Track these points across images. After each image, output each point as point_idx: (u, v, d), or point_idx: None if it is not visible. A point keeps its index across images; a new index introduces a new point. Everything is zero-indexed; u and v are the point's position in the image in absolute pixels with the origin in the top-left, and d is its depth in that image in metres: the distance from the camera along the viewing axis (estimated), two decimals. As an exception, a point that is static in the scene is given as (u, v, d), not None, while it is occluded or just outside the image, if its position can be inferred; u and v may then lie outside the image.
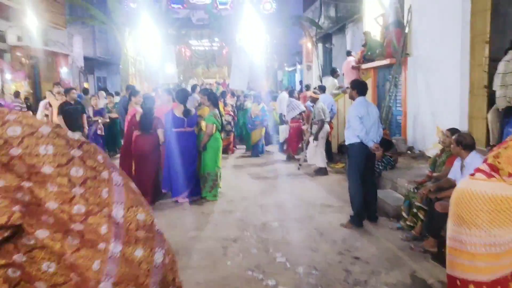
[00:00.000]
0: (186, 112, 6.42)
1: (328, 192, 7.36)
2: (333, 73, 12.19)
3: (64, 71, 21.41)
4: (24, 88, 16.56)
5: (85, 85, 22.75)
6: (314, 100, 9.17)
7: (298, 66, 27.12)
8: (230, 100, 13.29)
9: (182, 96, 6.60)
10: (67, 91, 8.68)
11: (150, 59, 16.77)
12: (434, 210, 4.54)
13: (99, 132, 10.06)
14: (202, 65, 23.16)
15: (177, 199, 6.48)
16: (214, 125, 6.60)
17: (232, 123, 12.00)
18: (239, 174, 9.04)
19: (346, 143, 5.62)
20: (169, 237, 5.07)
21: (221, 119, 6.93)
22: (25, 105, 13.46)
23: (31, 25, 16.45)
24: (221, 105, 11.68)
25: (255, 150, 11.48)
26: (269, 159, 11.01)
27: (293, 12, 20.79)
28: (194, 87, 11.87)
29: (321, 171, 8.90)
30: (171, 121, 6.44)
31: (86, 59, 24.16)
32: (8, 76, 16.07)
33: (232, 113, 12.22)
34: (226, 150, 11.89)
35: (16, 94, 13.41)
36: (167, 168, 6.52)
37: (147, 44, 16.47)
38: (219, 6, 18.00)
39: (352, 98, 5.68)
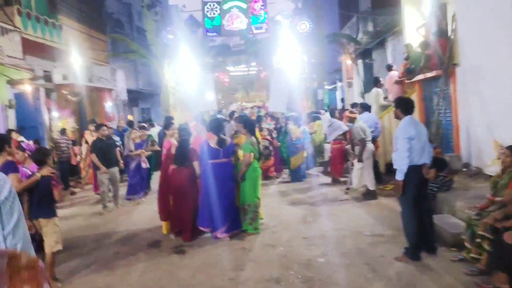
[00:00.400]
0: (220, 142, 6.15)
1: (378, 220, 6.82)
2: (376, 83, 11.54)
3: (108, 105, 22.03)
4: (70, 124, 17.08)
5: (129, 117, 23.28)
6: (352, 120, 8.72)
7: (339, 84, 26.60)
8: (266, 124, 13.00)
9: (215, 125, 6.35)
10: (98, 127, 8.69)
11: (189, 88, 16.86)
12: (502, 241, 3.96)
13: (143, 165, 9.62)
14: (241, 90, 23.17)
15: (217, 234, 6.16)
16: (252, 153, 6.29)
17: (271, 147, 11.68)
18: (281, 202, 8.64)
19: (395, 167, 5.13)
20: (207, 279, 4.79)
21: (258, 146, 6.61)
22: (70, 142, 13.76)
23: (76, 64, 17.02)
24: (256, 130, 11.48)
25: (297, 175, 11.07)
26: (313, 184, 10.55)
27: (330, 30, 20.50)
28: (232, 114, 11.71)
29: (370, 195, 8.35)
30: (206, 153, 6.19)
31: (129, 92, 24.80)
32: (55, 114, 16.64)
33: (269, 138, 11.93)
34: (266, 175, 11.58)
35: (62, 132, 13.74)
36: (204, 202, 6.23)
37: (186, 73, 16.59)
38: (255, 31, 17.97)
39: (397, 117, 5.20)
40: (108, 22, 22.00)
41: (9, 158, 4.90)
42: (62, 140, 13.43)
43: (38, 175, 4.81)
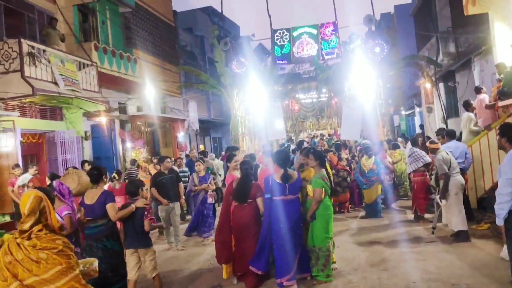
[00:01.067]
0: (285, 176, 5.49)
1: (475, 268, 5.71)
2: (468, 106, 10.19)
3: (180, 135, 22.35)
4: (142, 155, 17.33)
5: (201, 147, 23.48)
6: (434, 151, 7.69)
7: (417, 109, 25.06)
8: (345, 154, 12.15)
9: (281, 157, 5.71)
10: (161, 160, 8.37)
11: (258, 116, 16.53)
12: None
13: (209, 200, 8.77)
14: (311, 117, 22.47)
15: (282, 281, 5.43)
16: (323, 189, 5.56)
17: (349, 178, 10.81)
18: (357, 242, 7.72)
19: (497, 212, 4.15)
20: None
21: (330, 181, 5.86)
22: (138, 172, 13.80)
23: (149, 95, 17.42)
24: (334, 158, 10.66)
25: (372, 210, 10.06)
26: (393, 220, 9.48)
27: (406, 53, 19.35)
28: (300, 144, 11.03)
29: (461, 236, 7.18)
30: (270, 188, 5.56)
31: (201, 121, 25.12)
32: (128, 144, 17.00)
33: (347, 168, 11.08)
34: (341, 209, 10.68)
35: (133, 162, 13.84)
36: (264, 243, 5.55)
37: (255, 102, 16.31)
38: (325, 57, 17.36)
39: (503, 148, 4.25)
40: (181, 55, 22.59)
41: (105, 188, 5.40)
42: (132, 170, 13.51)
43: (133, 206, 4.99)
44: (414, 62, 16.19)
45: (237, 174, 6.47)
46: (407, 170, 9.95)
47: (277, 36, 17.66)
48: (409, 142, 11.45)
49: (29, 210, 2.60)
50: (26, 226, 2.61)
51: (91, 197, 5.01)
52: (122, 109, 16.99)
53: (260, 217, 5.70)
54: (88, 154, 14.66)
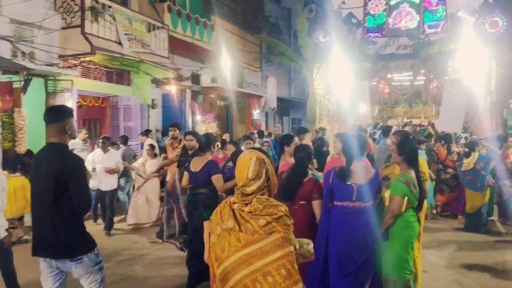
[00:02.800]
0: (342, 173, 3.78)
1: None
2: None
3: (256, 112, 21.03)
4: (213, 129, 16.25)
5: (279, 126, 21.94)
6: None
7: (533, 103, 21.29)
8: (456, 147, 9.83)
9: (349, 143, 3.99)
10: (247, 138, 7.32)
11: (340, 96, 14.58)
12: None
13: None
14: (404, 103, 19.81)
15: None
16: (405, 198, 3.77)
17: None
18: (451, 265, 5.78)
19: None
20: None
21: (421, 189, 3.98)
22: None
23: (226, 67, 16.20)
24: (443, 151, 8.63)
25: (473, 221, 7.87)
26: (501, 238, 7.29)
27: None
28: (386, 130, 8.96)
29: None
30: (330, 188, 3.88)
31: (280, 100, 23.57)
32: (199, 117, 16.01)
33: (457, 164, 8.95)
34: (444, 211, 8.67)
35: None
36: (318, 265, 3.89)
37: (338, 79, 14.35)
38: (427, 30, 14.78)
39: None
40: (264, 26, 21.03)
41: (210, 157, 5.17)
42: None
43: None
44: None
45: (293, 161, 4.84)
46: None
47: (371, 4, 15.38)
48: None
49: (254, 173, 2.33)
50: (249, 189, 2.32)
51: (196, 164, 4.88)
52: (195, 79, 15.96)
53: (315, 228, 4.04)
54: (154, 123, 13.86)
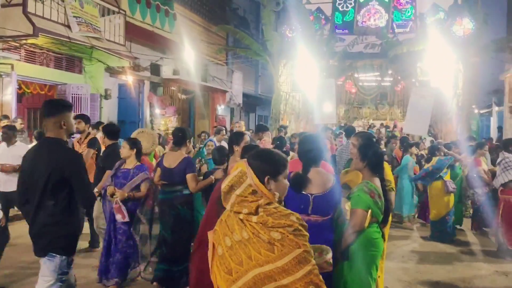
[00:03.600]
0: (296, 181, 3.14)
1: None
2: None
3: (221, 108, 20.30)
4: (173, 123, 15.43)
5: (242, 124, 21.26)
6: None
7: (495, 108, 21.52)
8: (415, 150, 9.46)
9: (305, 146, 3.36)
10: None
11: (306, 94, 14.09)
12: None
13: (118, 217, 6.50)
14: (370, 103, 19.53)
15: None
16: (369, 211, 3.19)
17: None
18: (414, 281, 5.27)
19: None
20: None
21: (387, 200, 3.40)
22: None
23: (189, 59, 15.38)
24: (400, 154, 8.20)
25: (438, 230, 7.47)
26: (467, 249, 6.89)
27: (492, 35, 15.92)
28: (349, 130, 8.42)
29: None
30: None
31: (247, 96, 22.92)
32: (157, 110, 15.15)
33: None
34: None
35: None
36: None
37: (304, 76, 13.83)
38: (396, 30, 14.45)
39: None
40: (231, 18, 20.28)
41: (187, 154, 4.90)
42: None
43: (212, 177, 4.59)
44: (510, 46, 12.95)
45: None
46: (494, 184, 7.27)
47: (340, 0, 14.90)
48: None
49: (227, 187, 2.09)
50: (232, 202, 2.05)
51: (171, 160, 4.66)
52: (155, 69, 15.08)
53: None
54: (107, 115, 12.90)
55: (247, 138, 4.46)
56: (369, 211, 3.19)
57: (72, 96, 11.18)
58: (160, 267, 4.55)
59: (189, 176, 4.53)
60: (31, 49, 10.30)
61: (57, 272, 3.01)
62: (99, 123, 10.78)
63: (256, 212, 2.02)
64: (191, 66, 15.54)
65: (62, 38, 9.81)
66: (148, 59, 14.40)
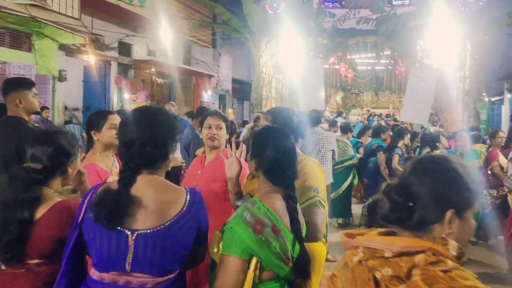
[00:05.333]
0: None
1: None
2: None
3: (207, 94, 18.69)
4: (145, 110, 13.86)
5: (230, 112, 19.68)
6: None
7: (508, 96, 19.64)
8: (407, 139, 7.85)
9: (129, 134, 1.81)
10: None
11: (291, 76, 12.44)
12: None
13: None
14: (369, 89, 17.73)
15: None
16: (253, 259, 1.60)
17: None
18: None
19: None
20: None
21: (297, 233, 1.80)
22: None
23: (166, 39, 13.76)
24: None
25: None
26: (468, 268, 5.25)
27: (504, 9, 14.04)
28: (345, 128, 7.08)
29: None
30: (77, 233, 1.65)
31: (238, 82, 21.29)
32: (126, 95, 13.60)
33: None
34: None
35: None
36: None
37: (289, 57, 12.18)
38: (394, 2, 12.66)
39: None
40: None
41: None
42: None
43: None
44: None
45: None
46: (505, 183, 5.67)
47: (329, -32, 13.16)
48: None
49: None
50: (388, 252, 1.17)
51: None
52: (124, 49, 13.52)
53: None
54: (61, 100, 11.38)
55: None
56: (254, 260, 1.61)
57: (13, 77, 9.64)
58: None
59: None
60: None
61: None
62: (44, 107, 9.35)
63: (407, 276, 1.11)
64: (168, 46, 13.91)
65: (-13, 6, 8.25)
66: (116, 38, 12.83)
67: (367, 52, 13.14)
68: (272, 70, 13.39)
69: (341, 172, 7.06)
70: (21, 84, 3.05)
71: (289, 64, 12.28)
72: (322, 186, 2.17)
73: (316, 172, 2.19)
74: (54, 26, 9.88)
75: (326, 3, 13.36)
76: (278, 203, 1.74)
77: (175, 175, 4.26)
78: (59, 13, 10.10)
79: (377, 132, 8.08)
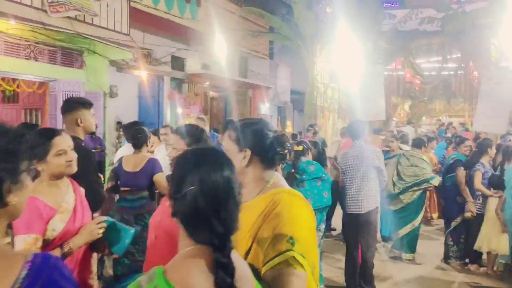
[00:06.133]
0: None
1: None
2: None
3: (265, 106, 18.18)
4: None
5: (288, 124, 19.00)
6: None
7: None
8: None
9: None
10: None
11: (348, 85, 11.59)
12: None
13: None
14: (440, 96, 16.20)
15: None
16: None
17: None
18: None
19: None
20: None
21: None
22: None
23: (220, 51, 13.47)
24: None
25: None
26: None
27: None
28: (357, 129, 6.01)
29: None
30: None
31: (298, 93, 20.56)
32: (179, 110, 13.42)
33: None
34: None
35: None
36: None
37: (346, 64, 11.35)
38: (462, -2, 11.38)
39: None
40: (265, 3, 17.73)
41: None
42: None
43: None
44: None
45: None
46: None
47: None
48: None
49: None
50: None
51: (132, 163, 4.39)
52: (177, 64, 13.41)
53: None
54: (113, 116, 11.37)
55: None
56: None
57: (63, 94, 9.73)
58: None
59: (159, 175, 4.27)
60: (12, 40, 8.95)
61: None
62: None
63: None
64: (224, 59, 13.58)
65: (33, 24, 8.32)
66: (168, 52, 12.74)
67: (432, 56, 11.90)
68: (327, 78, 12.56)
69: (418, 198, 6.08)
70: (83, 103, 3.10)
71: (345, 72, 11.42)
72: (304, 233, 1.44)
73: (295, 212, 1.47)
74: (103, 42, 9.89)
75: (385, 4, 12.32)
76: (197, 278, 1.05)
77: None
78: (107, 28, 10.10)
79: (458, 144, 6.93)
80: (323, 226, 4.49)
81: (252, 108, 17.35)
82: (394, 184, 6.00)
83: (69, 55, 10.39)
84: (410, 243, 5.98)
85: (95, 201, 2.83)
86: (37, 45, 9.54)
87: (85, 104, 3.11)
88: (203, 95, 14.46)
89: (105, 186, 4.44)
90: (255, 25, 16.07)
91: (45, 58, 9.82)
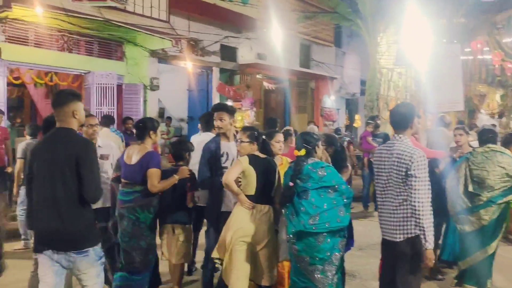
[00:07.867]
0: None
1: None
2: None
3: (330, 99, 16.66)
4: (250, 118, 12.52)
5: (356, 118, 17.27)
6: None
7: None
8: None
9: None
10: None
11: (418, 70, 9.89)
12: None
13: None
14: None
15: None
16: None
17: None
18: None
19: None
20: None
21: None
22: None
23: (276, 39, 12.29)
24: None
25: None
26: None
27: None
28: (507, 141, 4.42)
29: None
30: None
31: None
32: (229, 103, 12.43)
33: None
34: None
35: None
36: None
37: (412, 45, 9.65)
38: None
39: None
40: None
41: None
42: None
43: (176, 177, 4.12)
44: None
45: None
46: None
47: None
48: None
49: None
50: None
51: (133, 154, 4.10)
52: (229, 54, 12.47)
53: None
54: (153, 110, 10.70)
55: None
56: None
57: (96, 86, 9.17)
58: (120, 274, 4.03)
59: (151, 171, 3.95)
60: (43, 31, 8.52)
61: (97, 260, 2.97)
62: (127, 118, 8.66)
63: None
64: (281, 48, 12.35)
65: (54, 11, 7.76)
66: (216, 41, 11.82)
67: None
68: (391, 62, 10.84)
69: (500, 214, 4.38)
70: (77, 96, 3.12)
71: (414, 54, 9.71)
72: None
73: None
74: (137, 30, 9.20)
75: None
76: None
77: (181, 188, 4.14)
78: (143, 15, 9.38)
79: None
80: (337, 255, 3.15)
81: (315, 101, 15.94)
82: (473, 195, 4.33)
83: (107, 46, 9.86)
84: (480, 274, 4.32)
85: (95, 191, 2.91)
86: (71, 35, 9.10)
87: (78, 96, 3.13)
88: (258, 87, 13.32)
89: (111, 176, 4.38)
90: (311, 6, 14.55)
91: (80, 50, 9.38)
